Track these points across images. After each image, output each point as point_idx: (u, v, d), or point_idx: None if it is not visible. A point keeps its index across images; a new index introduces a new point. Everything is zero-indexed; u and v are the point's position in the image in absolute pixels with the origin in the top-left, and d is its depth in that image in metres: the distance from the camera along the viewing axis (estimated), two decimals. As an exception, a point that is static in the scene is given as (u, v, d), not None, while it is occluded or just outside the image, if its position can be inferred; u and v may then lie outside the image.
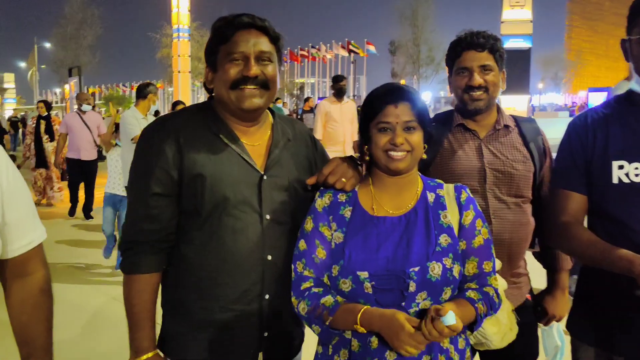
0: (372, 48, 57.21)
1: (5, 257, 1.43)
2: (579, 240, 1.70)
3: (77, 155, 8.26)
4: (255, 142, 1.71)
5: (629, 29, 1.70)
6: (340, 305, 1.50)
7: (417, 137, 1.58)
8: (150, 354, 1.63)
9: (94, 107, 8.55)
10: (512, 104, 21.68)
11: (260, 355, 1.70)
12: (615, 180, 1.66)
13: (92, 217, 8.38)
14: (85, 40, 33.38)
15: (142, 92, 5.73)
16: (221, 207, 1.61)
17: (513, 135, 2.14)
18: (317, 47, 65.16)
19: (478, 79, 2.05)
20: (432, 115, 1.81)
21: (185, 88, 13.38)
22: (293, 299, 1.58)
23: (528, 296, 2.13)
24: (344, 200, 1.62)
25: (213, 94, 1.73)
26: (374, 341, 1.49)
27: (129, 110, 5.84)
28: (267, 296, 1.65)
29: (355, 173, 1.67)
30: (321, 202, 1.63)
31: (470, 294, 1.56)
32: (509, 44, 27.70)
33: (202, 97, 15.71)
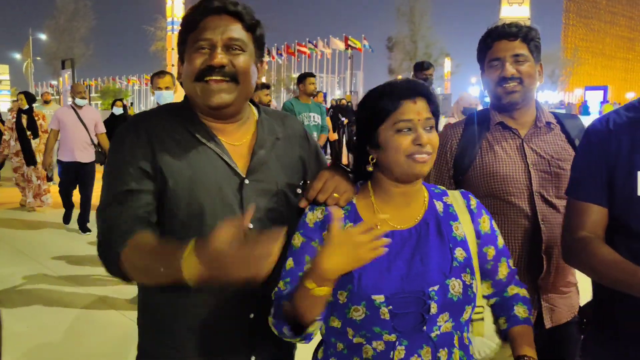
0: (367, 44, 57.01)
1: None
2: (599, 258, 1.49)
3: (70, 157, 7.03)
4: (236, 142, 1.50)
5: None
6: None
7: (436, 138, 1.39)
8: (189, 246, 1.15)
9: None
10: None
11: (253, 358, 1.50)
12: None
13: (89, 230, 7.07)
14: (78, 33, 32.97)
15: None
16: (198, 218, 1.40)
17: (556, 132, 2.00)
18: (314, 42, 64.84)
19: (510, 70, 1.90)
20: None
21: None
22: (270, 320, 1.36)
23: (576, 312, 1.96)
24: (342, 216, 1.40)
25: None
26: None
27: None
28: (251, 315, 1.47)
29: (350, 185, 1.46)
30: (312, 216, 1.42)
31: (519, 311, 1.49)
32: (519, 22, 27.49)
33: None
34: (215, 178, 1.43)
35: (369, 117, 1.41)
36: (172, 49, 12.82)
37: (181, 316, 1.45)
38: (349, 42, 55.44)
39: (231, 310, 1.45)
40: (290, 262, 1.39)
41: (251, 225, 1.41)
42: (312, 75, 6.71)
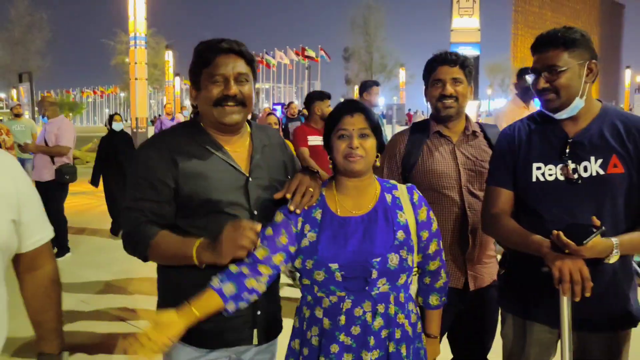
0: (323, 54, 57.76)
1: (20, 252, 1.66)
2: (506, 228, 2.07)
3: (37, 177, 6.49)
4: (237, 150, 1.95)
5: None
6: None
7: (370, 144, 1.84)
8: (198, 242, 1.76)
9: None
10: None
11: (255, 331, 1.95)
12: (534, 179, 2.05)
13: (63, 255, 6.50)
14: (33, 45, 32.35)
15: None
16: (214, 209, 1.83)
17: (480, 139, 2.53)
18: (271, 52, 65.24)
19: (450, 89, 2.43)
20: (385, 120, 2.18)
21: (143, 95, 13.40)
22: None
23: (495, 277, 2.49)
24: (314, 204, 1.88)
25: (198, 110, 1.97)
26: (342, 319, 1.80)
27: None
28: None
29: (317, 183, 1.91)
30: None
31: (433, 300, 2.03)
32: (458, 52, 28.63)
33: (155, 101, 15.32)
34: (225, 178, 1.88)
35: (327, 128, 1.91)
36: (136, 63, 13.04)
37: (193, 289, 1.82)
38: (306, 53, 56.10)
39: None
40: (269, 230, 1.85)
41: (256, 212, 1.90)
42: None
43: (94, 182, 7.68)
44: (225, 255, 1.71)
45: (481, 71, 33.49)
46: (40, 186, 6.27)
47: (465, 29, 29.66)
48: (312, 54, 55.81)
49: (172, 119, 9.56)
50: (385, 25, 44.48)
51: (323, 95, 5.53)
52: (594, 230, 1.78)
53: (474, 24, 30.25)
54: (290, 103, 12.72)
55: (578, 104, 1.99)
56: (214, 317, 1.79)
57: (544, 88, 1.99)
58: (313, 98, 5.50)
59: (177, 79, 31.75)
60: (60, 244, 6.50)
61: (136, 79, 12.99)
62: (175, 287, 1.92)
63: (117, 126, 7.83)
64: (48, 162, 6.51)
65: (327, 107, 5.40)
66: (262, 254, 1.82)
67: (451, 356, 2.64)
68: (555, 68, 1.96)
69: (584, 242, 1.76)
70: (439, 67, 2.48)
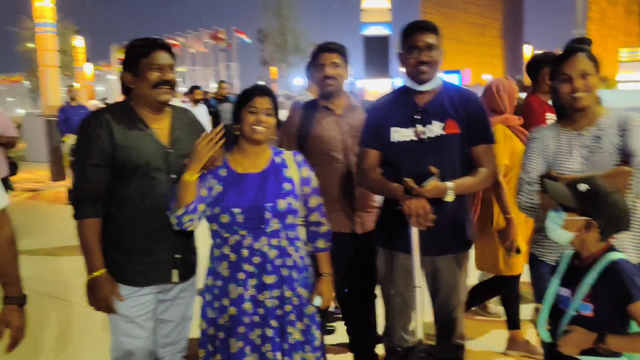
0: (243, 36, 57.36)
1: None
2: (371, 179, 2.71)
3: None
4: (161, 127, 2.47)
5: (401, 46, 2.69)
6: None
7: (272, 120, 2.43)
8: (101, 271, 2.37)
9: None
10: (376, 88, 23.26)
11: (175, 271, 2.48)
12: (393, 140, 2.67)
13: None
14: None
15: None
16: (141, 171, 2.36)
17: (358, 112, 3.13)
18: (185, 36, 63.89)
19: (331, 71, 3.05)
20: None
21: (55, 82, 13.11)
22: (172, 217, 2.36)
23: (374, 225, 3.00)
24: (220, 165, 2.41)
25: (130, 93, 2.45)
26: (245, 252, 2.32)
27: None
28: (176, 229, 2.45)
29: (221, 150, 2.41)
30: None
31: (319, 243, 2.53)
32: (369, 31, 29.55)
33: (63, 87, 14.94)
34: (151, 149, 2.41)
35: (238, 103, 2.44)
36: (46, 50, 12.75)
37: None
38: (219, 35, 55.50)
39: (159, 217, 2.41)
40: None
41: (174, 176, 2.41)
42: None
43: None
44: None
45: (392, 50, 34.54)
46: None
47: (375, 9, 30.60)
48: (223, 36, 55.29)
49: (79, 106, 9.47)
50: (298, 7, 45.00)
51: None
52: (431, 176, 2.41)
53: (384, 4, 31.37)
54: (221, 82, 13.13)
55: (437, 78, 2.65)
56: (141, 260, 2.41)
57: (424, 61, 2.58)
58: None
59: (89, 65, 30.68)
60: None
61: (46, 65, 12.74)
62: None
63: None
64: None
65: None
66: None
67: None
68: (433, 46, 2.59)
69: (423, 184, 2.39)
70: (322, 53, 3.10)
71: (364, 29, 31.37)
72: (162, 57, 2.40)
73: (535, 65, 3.82)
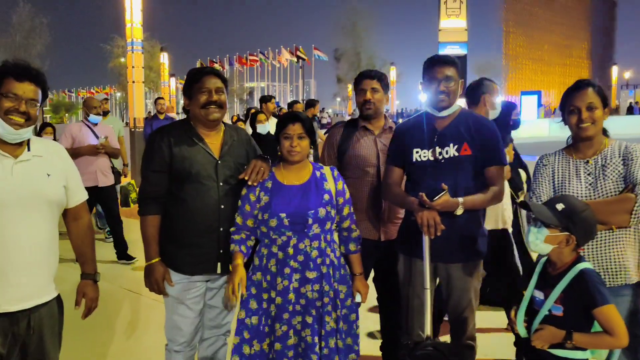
0: (321, 54, 58.63)
1: (68, 207, 2.52)
2: (394, 193, 3.07)
3: (92, 182, 6.21)
4: (213, 142, 2.89)
5: (423, 76, 3.04)
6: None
7: (305, 143, 2.81)
8: (156, 259, 2.83)
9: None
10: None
11: (219, 264, 2.88)
12: (414, 160, 3.01)
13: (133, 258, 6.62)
14: (34, 49, 32.96)
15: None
16: (193, 178, 2.78)
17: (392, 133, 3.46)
18: (265, 52, 66.08)
19: (369, 96, 3.42)
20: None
21: (140, 96, 14.32)
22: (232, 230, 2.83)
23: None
24: (266, 178, 2.81)
25: (189, 113, 2.94)
26: (290, 250, 2.71)
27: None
28: (221, 229, 2.84)
29: (267, 164, 2.83)
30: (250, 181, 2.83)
31: (351, 246, 2.91)
32: (446, 51, 29.79)
33: (150, 101, 15.93)
34: (202, 160, 2.84)
35: (278, 131, 2.86)
36: (133, 67, 13.95)
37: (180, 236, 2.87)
38: (299, 53, 56.96)
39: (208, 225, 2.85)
40: (239, 202, 2.85)
41: (221, 184, 2.86)
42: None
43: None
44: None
45: (469, 70, 34.37)
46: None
47: (452, 29, 30.76)
48: (303, 54, 56.67)
49: (166, 118, 10.07)
50: (374, 27, 45.78)
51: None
52: (442, 192, 2.74)
53: (461, 24, 31.46)
54: (295, 102, 13.04)
55: (455, 106, 2.98)
56: (190, 252, 2.81)
57: (443, 91, 2.93)
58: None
59: (172, 79, 32.54)
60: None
61: (133, 81, 13.93)
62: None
63: (262, 129, 7.23)
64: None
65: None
66: (240, 220, 2.83)
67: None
68: (451, 78, 2.93)
69: (434, 199, 2.71)
70: (362, 80, 3.48)
71: (441, 49, 31.23)
72: (211, 82, 2.82)
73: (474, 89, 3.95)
